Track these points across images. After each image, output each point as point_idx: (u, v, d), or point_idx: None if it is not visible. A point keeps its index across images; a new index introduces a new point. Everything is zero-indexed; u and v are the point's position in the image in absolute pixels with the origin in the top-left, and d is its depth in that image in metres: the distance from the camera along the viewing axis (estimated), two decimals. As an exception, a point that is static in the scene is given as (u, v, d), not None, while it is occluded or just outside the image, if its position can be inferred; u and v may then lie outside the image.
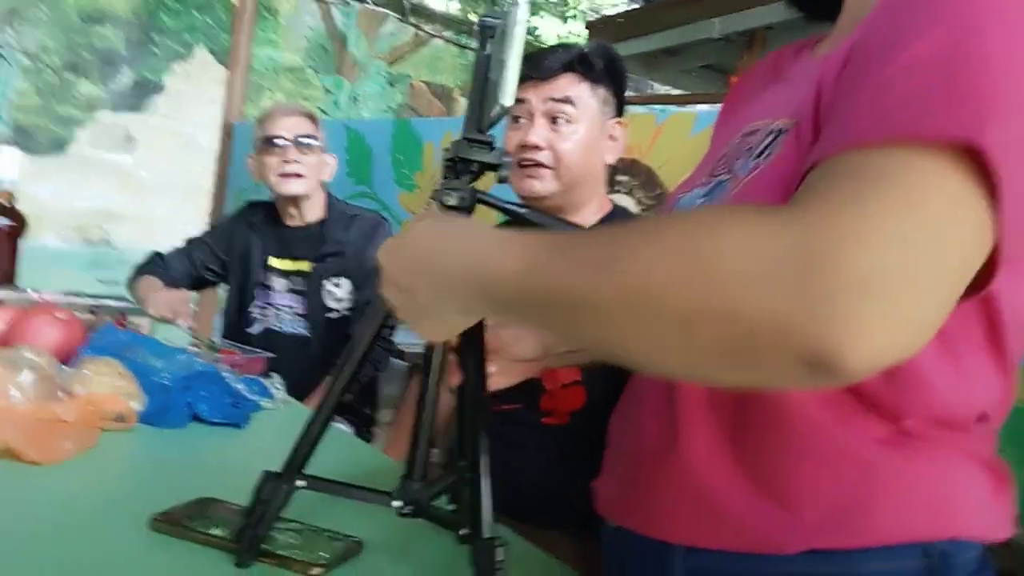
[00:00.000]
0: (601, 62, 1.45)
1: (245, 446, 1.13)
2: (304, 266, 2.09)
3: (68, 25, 6.20)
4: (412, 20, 7.91)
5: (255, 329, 2.12)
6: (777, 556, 0.62)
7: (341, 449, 1.20)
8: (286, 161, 2.03)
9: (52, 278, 1.64)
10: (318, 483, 0.72)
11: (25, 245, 1.84)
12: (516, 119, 1.45)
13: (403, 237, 0.64)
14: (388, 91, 7.80)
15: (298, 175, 2.04)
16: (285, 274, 2.12)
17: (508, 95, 0.63)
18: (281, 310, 2.11)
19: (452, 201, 0.69)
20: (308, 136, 2.06)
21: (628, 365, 0.55)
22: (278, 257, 2.13)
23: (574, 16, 9.95)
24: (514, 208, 0.75)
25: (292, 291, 2.10)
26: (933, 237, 0.43)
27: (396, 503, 0.70)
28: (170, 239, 2.37)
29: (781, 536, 0.61)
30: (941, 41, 0.49)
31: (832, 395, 0.61)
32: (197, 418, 1.17)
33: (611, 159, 1.49)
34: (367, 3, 7.65)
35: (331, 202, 2.16)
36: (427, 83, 8.03)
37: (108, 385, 1.08)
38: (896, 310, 0.42)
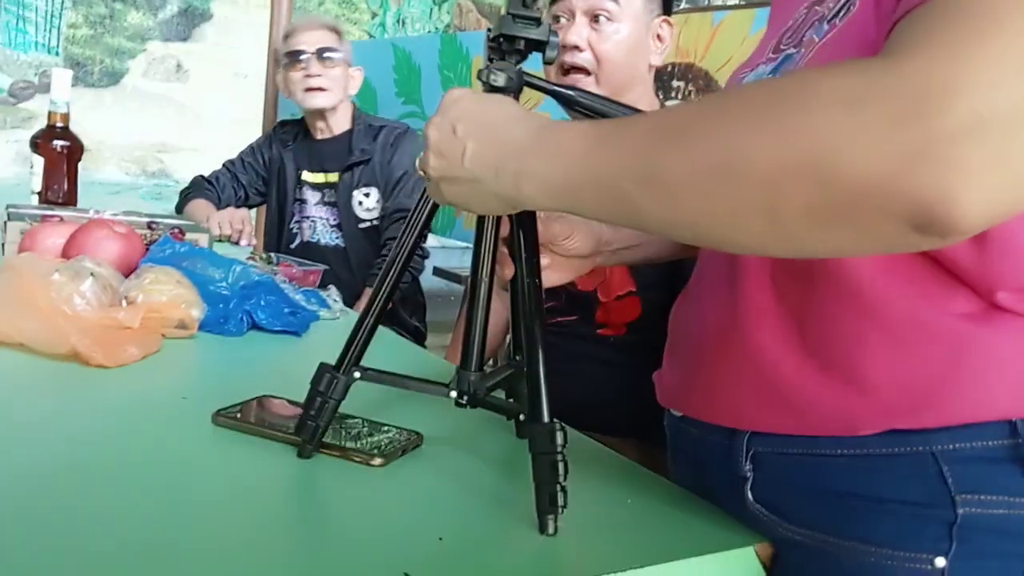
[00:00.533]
0: None
1: (304, 353, 1.14)
2: (334, 178, 2.13)
3: (114, -46, 6.19)
4: (457, -64, 7.70)
5: (295, 243, 2.17)
6: (850, 437, 0.60)
7: (397, 352, 1.20)
8: (309, 75, 2.04)
9: (115, 208, 1.67)
10: (375, 374, 0.72)
11: (85, 177, 1.88)
12: (556, 18, 1.40)
13: (485, 95, 0.63)
14: (435, 12, 7.66)
15: (322, 88, 2.05)
16: (317, 187, 2.16)
17: None
18: (317, 222, 2.16)
19: (499, 81, 0.67)
20: (330, 49, 2.06)
21: (698, 240, 0.53)
22: (310, 171, 2.17)
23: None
24: (564, 91, 0.72)
25: (325, 203, 2.15)
26: None
27: (453, 393, 0.70)
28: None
29: (855, 418, 0.59)
30: None
31: (915, 270, 0.58)
32: (256, 327, 1.19)
33: (657, 61, 1.43)
34: (411, -80, 7.45)
35: (356, 114, 2.18)
36: (474, 1, 7.85)
37: (168, 293, 1.10)
38: (1003, 154, 0.38)
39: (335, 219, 2.14)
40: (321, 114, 2.11)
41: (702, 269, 0.76)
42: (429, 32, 7.56)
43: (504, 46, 0.68)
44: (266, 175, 2.23)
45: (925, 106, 0.39)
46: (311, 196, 2.17)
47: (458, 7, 7.95)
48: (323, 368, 0.71)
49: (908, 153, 0.39)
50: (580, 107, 0.70)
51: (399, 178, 2.10)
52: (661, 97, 1.57)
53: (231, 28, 6.60)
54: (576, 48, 1.35)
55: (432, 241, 3.36)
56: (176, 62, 6.52)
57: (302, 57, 2.05)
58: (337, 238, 2.14)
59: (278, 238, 2.22)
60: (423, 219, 0.72)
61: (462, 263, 5.47)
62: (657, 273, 1.27)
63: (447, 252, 5.37)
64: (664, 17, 1.42)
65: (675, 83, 2.15)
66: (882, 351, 0.60)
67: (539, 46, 0.67)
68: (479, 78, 0.68)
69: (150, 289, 1.08)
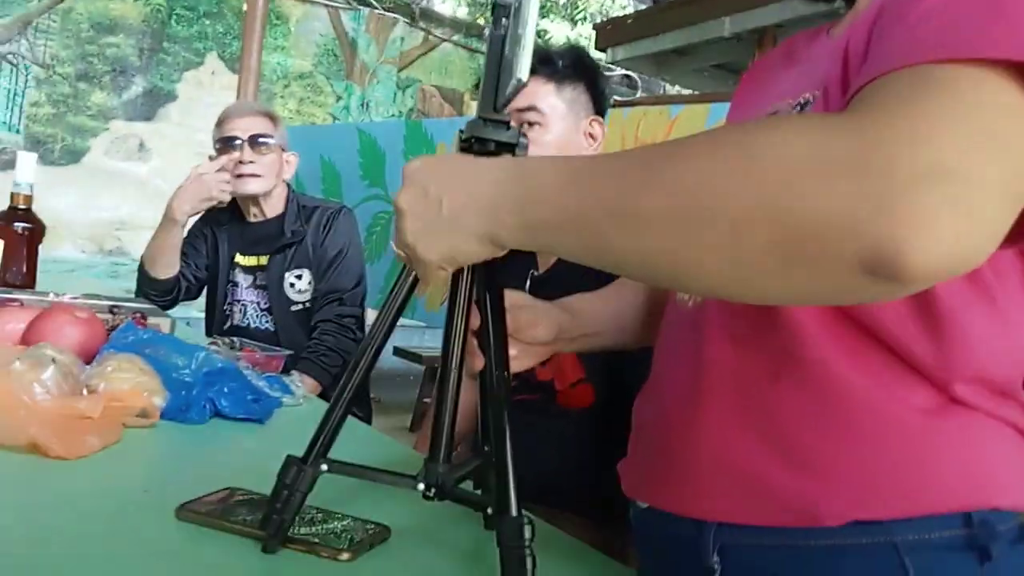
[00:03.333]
0: (565, 60, 1.44)
1: (267, 441, 1.13)
2: (265, 260, 2.11)
3: (80, 35, 6.24)
4: (421, 25, 7.93)
5: (227, 325, 2.15)
6: (814, 528, 0.61)
7: (364, 443, 1.20)
8: (241, 161, 2.05)
9: (71, 288, 1.65)
10: (342, 467, 0.72)
11: (43, 255, 1.86)
12: None
13: (442, 155, 0.65)
14: (399, 96, 7.82)
15: (254, 175, 2.06)
16: (249, 270, 2.15)
17: (524, 69, 0.63)
18: (248, 306, 2.14)
19: None
20: (263, 135, 2.07)
21: (670, 281, 0.53)
22: (242, 254, 2.16)
23: (584, 19, 9.95)
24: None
25: (256, 286, 2.14)
26: (993, 139, 0.43)
27: (420, 486, 0.70)
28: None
29: (818, 509, 0.61)
30: None
31: (875, 361, 0.61)
32: (219, 414, 1.18)
33: None
34: (376, 8, 7.67)
35: (291, 196, 2.18)
36: (437, 87, 8.04)
37: (130, 381, 1.09)
38: (959, 205, 0.40)
39: (265, 303, 2.11)
40: (254, 199, 2.11)
41: (662, 361, 0.78)
42: (393, 115, 7.71)
43: (475, 147, 0.71)
44: (206, 257, 2.22)
45: (883, 154, 0.41)
46: (243, 279, 2.15)
47: (422, 92, 8.14)
48: (290, 460, 0.71)
49: (865, 197, 0.41)
50: None
51: (333, 258, 2.09)
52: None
53: (195, 109, 6.66)
54: None
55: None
56: (139, 141, 6.55)
57: (235, 143, 2.06)
58: (267, 322, 2.11)
59: (211, 319, 2.20)
60: (399, 302, 0.73)
61: (422, 343, 5.46)
62: (602, 359, 1.30)
63: (407, 331, 5.36)
64: (595, 117, 1.48)
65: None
66: (843, 441, 0.62)
67: (509, 148, 0.70)
68: None
69: (112, 377, 1.07)
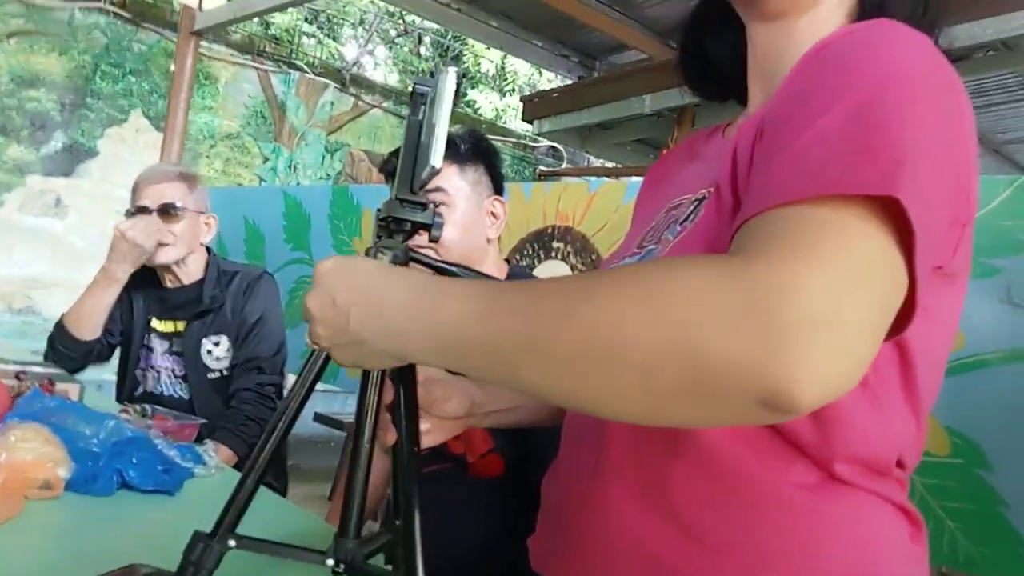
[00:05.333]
0: (466, 144, 1.51)
1: (177, 513, 1.11)
2: (181, 326, 2.06)
3: (-1, 89, 6.11)
4: (351, 90, 8.01)
5: (138, 391, 2.08)
6: None
7: (273, 512, 1.18)
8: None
9: (-26, 346, 1.60)
10: (250, 542, 0.71)
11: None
12: None
13: (353, 259, 0.65)
14: (327, 159, 7.83)
15: (163, 244, 2.01)
16: (165, 336, 2.09)
17: (438, 157, 0.67)
18: (161, 372, 2.08)
19: (386, 259, 0.71)
20: (172, 204, 2.02)
21: (582, 411, 0.56)
22: (158, 318, 2.10)
23: (512, 90, 10.21)
24: (447, 266, 0.77)
25: (172, 352, 2.07)
26: (860, 284, 0.48)
27: (330, 561, 0.71)
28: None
29: None
30: (849, 110, 0.54)
31: (760, 440, 0.65)
32: (127, 485, 1.15)
33: (493, 234, 1.54)
34: (307, 73, 7.73)
35: (211, 261, 2.14)
36: (366, 152, 8.10)
37: (34, 452, 1.06)
38: (834, 348, 0.46)
39: (181, 370, 2.05)
40: (165, 267, 2.06)
41: (568, 441, 0.81)
42: (321, 178, 7.71)
43: (392, 226, 0.73)
44: (120, 320, 2.13)
45: (769, 304, 0.46)
46: (158, 345, 2.09)
47: (350, 156, 8.17)
48: (197, 536, 0.70)
49: (758, 342, 0.45)
50: None
51: (252, 325, 2.04)
52: (540, 253, 1.66)
53: (117, 165, 6.54)
54: None
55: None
56: (56, 196, 6.38)
57: (145, 212, 2.01)
58: (182, 390, 2.05)
59: (123, 383, 2.13)
60: (314, 373, 0.74)
61: (344, 408, 5.37)
62: (509, 431, 1.32)
63: (329, 396, 5.27)
64: (496, 197, 1.54)
65: (555, 244, 2.28)
66: (735, 517, 0.65)
67: (425, 227, 0.73)
68: (367, 255, 0.72)
69: (15, 447, 1.04)
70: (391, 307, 0.60)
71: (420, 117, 0.71)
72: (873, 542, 0.65)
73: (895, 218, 0.50)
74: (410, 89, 0.72)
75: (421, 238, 1.29)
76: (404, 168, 0.72)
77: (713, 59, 0.85)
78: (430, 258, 0.79)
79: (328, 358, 0.72)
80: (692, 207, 0.71)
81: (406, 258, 0.73)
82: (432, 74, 0.70)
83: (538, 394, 0.56)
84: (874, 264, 0.49)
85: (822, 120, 0.54)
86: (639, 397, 0.49)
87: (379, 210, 0.74)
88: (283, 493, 2.05)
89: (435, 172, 0.68)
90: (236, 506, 0.71)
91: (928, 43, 0.58)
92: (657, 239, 0.76)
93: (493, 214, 1.53)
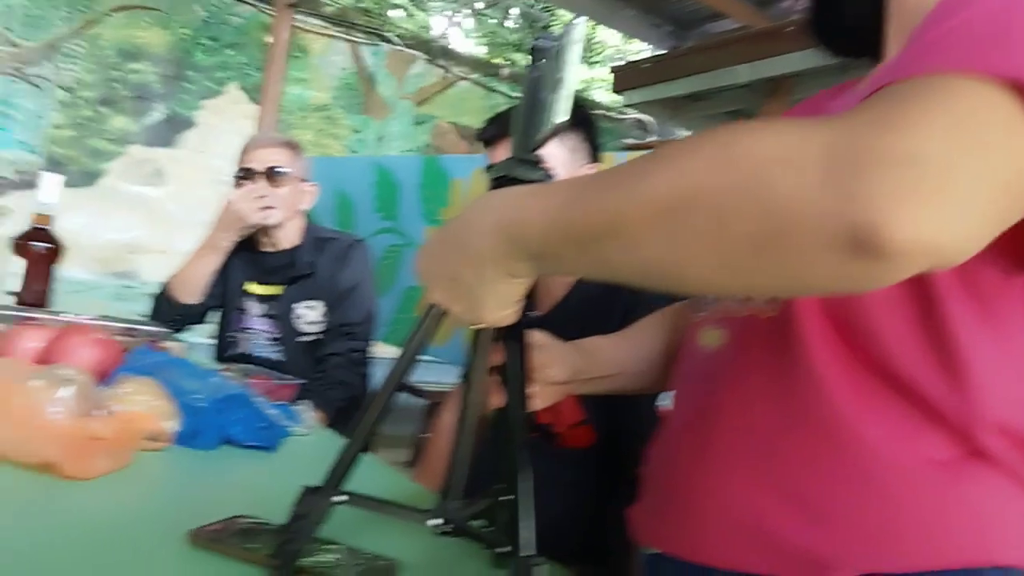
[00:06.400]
0: None
1: (277, 469, 1.14)
2: (277, 290, 2.10)
3: (105, 61, 6.34)
4: (440, 62, 8.03)
5: (232, 352, 2.13)
6: None
7: (375, 476, 1.20)
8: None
9: (78, 308, 1.66)
10: (357, 499, 0.72)
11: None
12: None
13: (429, 236, 0.65)
14: (414, 131, 7.89)
15: (268, 207, 2.06)
16: (260, 299, 2.13)
17: (563, 111, 0.64)
18: (256, 334, 2.12)
19: None
20: (279, 167, 2.07)
21: (668, 286, 0.53)
22: (254, 282, 2.15)
23: (599, 62, 10.06)
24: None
25: (266, 315, 2.12)
26: (978, 142, 0.43)
27: (433, 521, 0.70)
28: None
29: (828, 561, 0.61)
30: (988, 8, 0.50)
31: (893, 412, 0.61)
32: (229, 440, 1.18)
33: None
34: (396, 45, 7.78)
35: (308, 228, 2.18)
36: (453, 123, 8.12)
37: (144, 404, 1.09)
38: (937, 189, 0.41)
39: (275, 332, 2.10)
40: (265, 230, 2.11)
41: (675, 407, 0.79)
42: (409, 150, 7.78)
43: (508, 186, 0.72)
44: (217, 285, 2.18)
45: (862, 138, 0.42)
46: (254, 308, 2.14)
47: (437, 127, 8.22)
48: (306, 491, 0.71)
49: (842, 176, 0.41)
50: None
51: (346, 291, 2.07)
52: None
53: (213, 136, 6.73)
54: None
55: (395, 353, 3.35)
56: (155, 166, 6.61)
57: (252, 174, 2.07)
58: (275, 352, 2.10)
59: (219, 345, 2.19)
60: (423, 332, 0.73)
61: (424, 377, 5.42)
62: (600, 401, 1.30)
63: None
64: (591, 163, 1.51)
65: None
66: (855, 494, 0.62)
67: None
68: None
69: (128, 400, 1.07)
70: (481, 242, 0.60)
71: (539, 73, 0.69)
72: (1000, 523, 0.61)
73: None
74: (504, 56, 0.71)
75: None
76: (521, 126, 0.70)
77: (850, 11, 0.80)
78: None
79: (438, 321, 0.71)
80: None
81: None
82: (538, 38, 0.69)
83: (628, 276, 0.53)
84: (1001, 136, 0.44)
85: (951, 20, 0.50)
86: (716, 257, 0.46)
87: (491, 168, 0.73)
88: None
89: (561, 128, 0.66)
90: (344, 463, 0.71)
91: None
92: None
93: None
